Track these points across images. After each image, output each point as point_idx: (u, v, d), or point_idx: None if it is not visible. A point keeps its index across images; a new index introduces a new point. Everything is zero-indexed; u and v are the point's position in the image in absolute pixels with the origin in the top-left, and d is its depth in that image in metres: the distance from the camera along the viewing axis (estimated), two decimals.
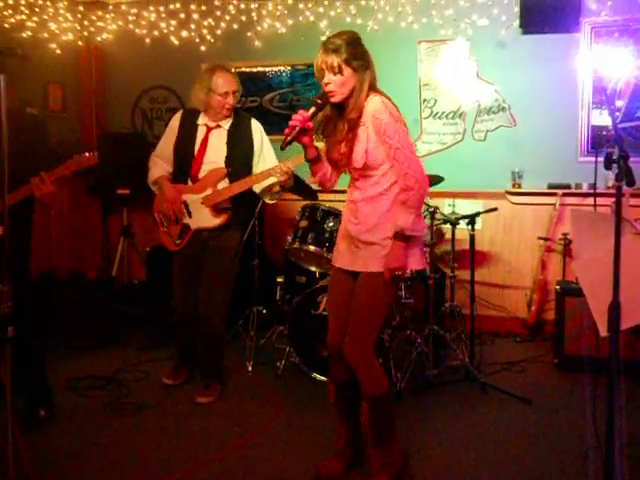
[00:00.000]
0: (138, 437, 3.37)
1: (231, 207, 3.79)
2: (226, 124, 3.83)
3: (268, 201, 3.95)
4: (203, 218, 3.77)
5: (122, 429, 3.47)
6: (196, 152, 3.78)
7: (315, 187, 5.02)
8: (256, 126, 3.91)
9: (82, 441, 3.31)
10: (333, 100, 2.64)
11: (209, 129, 3.81)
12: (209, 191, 3.75)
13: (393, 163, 2.62)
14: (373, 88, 2.71)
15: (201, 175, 3.77)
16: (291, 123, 2.57)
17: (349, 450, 2.99)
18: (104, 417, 3.62)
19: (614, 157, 2.16)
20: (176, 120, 3.92)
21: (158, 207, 3.93)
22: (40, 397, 3.53)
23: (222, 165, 3.76)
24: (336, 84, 2.60)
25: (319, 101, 2.64)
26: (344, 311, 2.78)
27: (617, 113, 5.03)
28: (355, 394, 2.88)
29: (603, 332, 2.18)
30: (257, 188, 3.82)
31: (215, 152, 3.78)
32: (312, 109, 2.61)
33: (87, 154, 3.23)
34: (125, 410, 3.70)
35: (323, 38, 5.32)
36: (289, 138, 2.56)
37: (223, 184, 3.76)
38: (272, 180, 3.70)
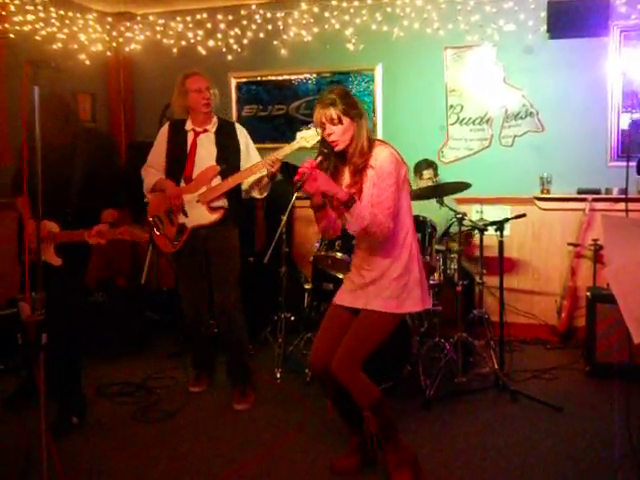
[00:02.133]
0: (166, 444, 3.40)
1: (226, 204, 3.87)
2: (212, 128, 3.94)
3: (257, 196, 3.99)
4: (199, 216, 3.85)
5: (151, 436, 3.50)
6: (188, 155, 3.89)
7: None
8: (240, 129, 4.05)
9: (112, 447, 3.34)
10: (337, 149, 2.83)
11: (197, 133, 3.93)
12: (204, 189, 3.83)
13: (378, 204, 2.75)
14: (374, 138, 2.94)
15: (194, 175, 3.87)
16: (300, 170, 2.70)
17: (363, 449, 3.07)
18: (133, 424, 3.66)
19: None
20: (164, 130, 4.04)
21: (153, 211, 4.01)
22: (74, 405, 3.58)
23: (213, 163, 3.87)
24: (337, 134, 2.79)
25: (325, 150, 2.84)
26: (335, 337, 2.92)
27: None
28: (350, 405, 2.97)
29: (637, 339, 2.15)
30: (245, 185, 3.90)
31: (206, 153, 3.88)
32: (319, 157, 2.80)
33: (143, 232, 3.49)
34: (154, 417, 3.73)
35: (349, 46, 5.53)
36: (299, 184, 2.68)
37: (216, 181, 3.84)
38: (261, 174, 3.81)
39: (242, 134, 4.02)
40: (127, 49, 6.28)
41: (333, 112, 2.76)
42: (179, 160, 3.91)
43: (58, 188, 3.15)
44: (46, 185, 2.39)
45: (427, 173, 4.97)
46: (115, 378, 4.33)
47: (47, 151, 2.47)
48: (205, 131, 3.94)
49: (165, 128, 4.07)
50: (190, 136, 3.94)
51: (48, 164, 2.49)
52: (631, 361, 3.94)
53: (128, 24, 6.23)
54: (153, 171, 4.00)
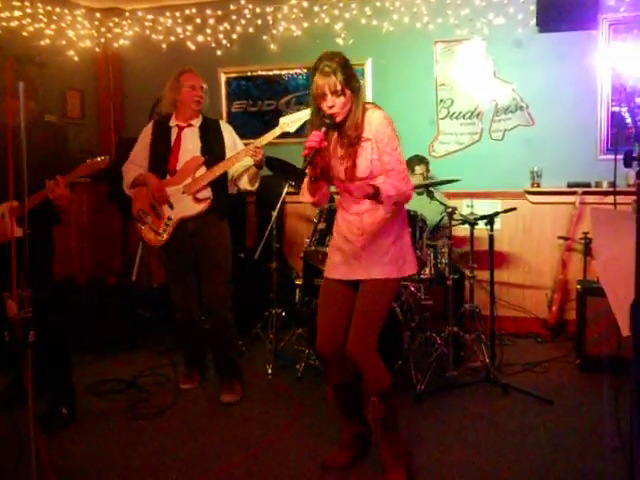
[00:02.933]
0: (158, 440, 3.39)
1: (211, 195, 3.82)
2: (197, 123, 3.90)
3: (249, 187, 3.93)
4: (185, 207, 3.80)
5: (142, 432, 3.49)
6: (172, 149, 3.86)
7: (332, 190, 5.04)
8: (225, 125, 4.04)
9: (103, 444, 3.33)
10: (337, 121, 2.70)
11: (181, 128, 3.89)
12: (189, 180, 3.79)
13: (391, 171, 2.70)
14: (365, 102, 2.82)
15: (179, 168, 3.83)
16: (308, 144, 2.59)
17: (356, 443, 3.07)
18: (125, 420, 3.64)
19: (634, 154, 2.13)
20: (148, 128, 4.00)
21: (138, 205, 3.94)
22: (63, 397, 3.56)
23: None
24: (339, 105, 2.66)
25: (327, 121, 2.68)
26: (338, 318, 2.86)
27: (638, 110, 4.98)
28: (352, 394, 2.98)
29: (625, 332, 2.15)
30: (233, 173, 3.88)
31: (190, 146, 3.85)
32: (323, 129, 2.65)
33: (99, 158, 3.29)
34: (145, 413, 3.71)
35: (339, 40, 5.51)
36: (308, 159, 2.58)
37: (201, 172, 3.80)
38: (246, 163, 3.79)
39: (227, 129, 3.99)
40: (116, 45, 6.27)
41: (336, 82, 2.62)
42: (163, 154, 3.86)
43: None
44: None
45: (419, 169, 4.96)
46: (106, 375, 4.31)
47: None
48: (189, 126, 3.90)
49: (149, 126, 4.02)
50: (174, 131, 3.90)
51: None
52: (620, 354, 3.95)
53: (117, 20, 6.21)
54: (134, 167, 3.94)
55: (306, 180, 2.82)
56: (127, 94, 6.46)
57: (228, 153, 3.88)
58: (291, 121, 3.71)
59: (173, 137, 3.88)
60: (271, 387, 4.16)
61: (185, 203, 3.80)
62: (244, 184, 3.92)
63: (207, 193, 3.81)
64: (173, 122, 3.92)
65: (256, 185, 3.97)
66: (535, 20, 5.11)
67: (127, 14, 6.21)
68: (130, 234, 6.17)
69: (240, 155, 3.75)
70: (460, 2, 5.31)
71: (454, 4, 5.33)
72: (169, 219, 3.84)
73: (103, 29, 6.18)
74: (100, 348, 4.84)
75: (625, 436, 2.18)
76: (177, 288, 4.02)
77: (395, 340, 3.98)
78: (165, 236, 3.85)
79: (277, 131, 3.72)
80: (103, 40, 6.21)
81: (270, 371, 4.33)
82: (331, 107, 2.66)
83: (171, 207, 3.82)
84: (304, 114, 3.62)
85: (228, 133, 3.97)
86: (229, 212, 4.03)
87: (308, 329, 4.21)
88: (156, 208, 3.86)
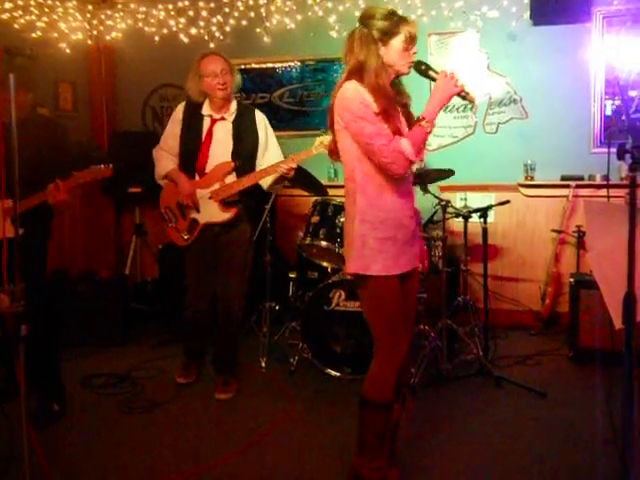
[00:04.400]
0: (151, 434, 3.39)
1: (240, 200, 3.76)
2: (230, 116, 3.78)
3: (273, 192, 3.92)
4: (212, 212, 3.75)
5: (136, 426, 3.48)
6: (202, 145, 3.75)
7: (324, 182, 5.04)
8: (260, 118, 3.87)
9: (96, 438, 3.32)
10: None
11: (214, 121, 3.77)
12: (217, 185, 3.72)
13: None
14: None
15: (208, 168, 3.74)
16: (461, 85, 2.55)
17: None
18: (118, 415, 3.63)
19: (627, 147, 2.13)
20: (179, 111, 3.86)
21: (166, 201, 3.89)
22: (53, 392, 3.55)
23: (228, 158, 3.72)
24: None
25: (423, 67, 2.60)
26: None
27: (631, 103, 4.98)
28: None
29: (618, 324, 2.16)
30: (264, 183, 3.80)
31: (221, 145, 3.74)
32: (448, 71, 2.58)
33: (102, 166, 3.29)
34: (139, 407, 3.71)
35: (333, 33, 5.48)
36: (464, 93, 2.58)
37: (230, 178, 3.73)
38: (277, 175, 3.70)
39: (262, 124, 3.85)
40: (108, 37, 6.21)
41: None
42: (193, 149, 3.76)
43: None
44: None
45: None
46: (99, 369, 4.30)
47: None
48: (222, 119, 3.77)
49: (181, 108, 3.87)
50: (206, 123, 3.77)
51: None
52: (613, 346, 3.95)
53: (109, 12, 6.15)
54: (166, 155, 3.85)
55: (419, 133, 2.46)
56: (120, 87, 6.42)
57: (260, 153, 3.81)
58: (328, 142, 3.43)
59: (205, 129, 3.76)
60: (264, 381, 4.16)
61: (212, 209, 3.74)
62: (267, 186, 3.84)
63: (235, 198, 3.73)
64: (206, 110, 3.78)
65: (278, 191, 3.95)
66: (529, 13, 5.10)
67: (119, 6, 6.16)
68: (123, 227, 6.16)
69: (271, 170, 3.67)
70: None
71: None
72: (194, 222, 3.80)
73: (95, 21, 6.12)
74: (93, 341, 4.83)
75: (617, 428, 2.19)
76: (196, 285, 3.96)
77: None
78: (189, 237, 3.82)
79: (313, 152, 3.61)
80: (95, 32, 6.16)
81: (264, 365, 4.33)
82: (414, 53, 2.55)
83: (197, 210, 3.77)
84: None
85: (262, 129, 3.84)
86: (255, 217, 4.04)
87: (302, 323, 4.21)
88: (183, 208, 3.81)
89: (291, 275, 4.81)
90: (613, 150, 2.21)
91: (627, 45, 4.97)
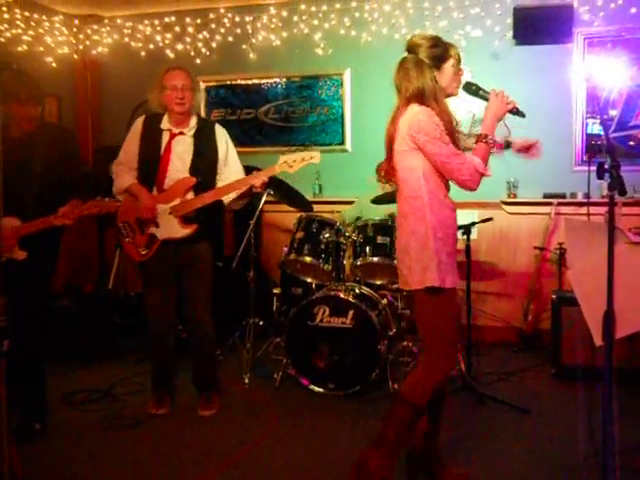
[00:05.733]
0: (134, 451, 3.36)
1: (199, 217, 3.70)
2: (190, 131, 3.74)
3: (233, 207, 3.89)
4: (171, 228, 3.67)
5: (118, 443, 3.45)
6: (161, 159, 3.68)
7: (309, 197, 5.06)
8: (221, 132, 3.84)
9: (77, 455, 3.29)
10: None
11: (173, 135, 3.71)
12: (177, 201, 3.65)
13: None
14: None
15: (167, 183, 3.68)
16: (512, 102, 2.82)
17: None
18: (100, 431, 3.60)
19: (606, 166, 2.17)
20: (138, 125, 3.80)
21: (124, 216, 3.79)
22: (36, 411, 3.52)
23: (187, 173, 3.67)
24: None
25: (473, 87, 2.86)
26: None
27: (610, 122, 5.05)
28: None
29: (598, 341, 2.19)
30: (225, 199, 3.74)
31: (180, 160, 3.68)
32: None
33: (109, 200, 3.39)
34: (121, 424, 3.68)
35: (318, 50, 5.54)
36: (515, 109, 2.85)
37: (191, 195, 3.67)
38: (240, 191, 3.68)
39: (222, 138, 3.81)
40: (94, 52, 6.24)
41: None
42: (152, 163, 3.69)
43: (17, 182, 3.04)
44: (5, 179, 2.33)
45: None
46: (82, 385, 4.27)
47: (5, 144, 2.41)
48: (182, 133, 3.72)
49: (139, 123, 3.81)
50: (165, 137, 3.72)
51: (6, 158, 2.43)
52: (594, 362, 3.98)
53: (95, 27, 6.18)
54: (125, 169, 3.77)
55: (485, 150, 2.69)
56: (106, 101, 6.41)
57: (220, 168, 3.77)
58: (293, 161, 3.55)
59: (164, 143, 3.70)
60: (248, 397, 4.14)
61: (171, 225, 3.67)
62: (229, 202, 3.80)
63: (194, 213, 3.67)
64: (165, 124, 3.73)
65: (240, 206, 3.93)
66: (512, 33, 5.17)
67: (106, 21, 6.19)
68: (107, 241, 6.13)
69: (234, 187, 3.64)
70: (438, 14, 5.36)
71: (432, 16, 5.38)
72: (153, 237, 3.72)
73: (81, 36, 6.15)
74: (77, 356, 4.79)
75: (598, 443, 2.21)
76: (154, 302, 3.84)
77: (372, 349, 4.00)
78: (147, 253, 3.74)
79: (276, 170, 3.60)
80: (81, 47, 6.18)
81: (247, 381, 4.30)
82: (462, 75, 2.80)
83: (156, 225, 3.70)
84: (307, 156, 3.56)
85: (223, 144, 3.80)
86: (216, 233, 3.99)
87: (285, 338, 4.21)
88: (142, 224, 3.74)
89: (275, 291, 4.80)
90: (593, 168, 2.25)
91: (607, 65, 5.06)
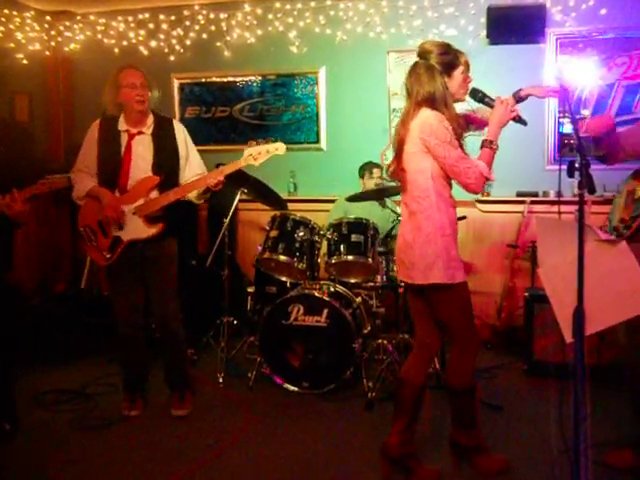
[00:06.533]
0: (106, 451, 3.33)
1: (165, 215, 3.64)
2: (148, 129, 3.67)
3: (195, 201, 3.78)
4: (136, 229, 3.60)
5: (90, 444, 3.42)
6: (122, 161, 3.61)
7: (284, 196, 5.05)
8: (179, 128, 3.78)
9: (48, 456, 3.26)
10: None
11: (131, 136, 3.64)
12: (141, 201, 3.59)
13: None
14: None
15: (130, 185, 3.61)
16: (515, 113, 2.93)
17: None
18: (71, 432, 3.57)
19: (576, 165, 2.19)
20: (94, 130, 3.73)
21: (85, 220, 3.71)
22: (5, 411, 3.47)
23: (150, 172, 3.61)
24: None
25: (480, 95, 3.03)
26: None
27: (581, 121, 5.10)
28: None
29: (568, 338, 2.20)
30: (191, 195, 3.69)
31: (142, 160, 3.61)
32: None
33: (59, 175, 3.23)
34: (92, 424, 3.64)
35: (293, 48, 5.53)
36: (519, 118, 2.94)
37: (155, 194, 3.61)
38: (205, 186, 3.62)
39: (181, 134, 3.76)
40: (66, 49, 6.16)
41: None
42: (112, 166, 3.61)
43: None
44: None
45: (377, 172, 5.02)
46: (53, 385, 4.22)
47: None
48: (140, 133, 3.65)
49: (95, 127, 3.73)
50: (124, 138, 3.64)
51: None
52: (565, 359, 4.03)
53: (67, 23, 6.11)
54: (84, 176, 3.68)
55: (490, 155, 2.85)
56: (78, 99, 6.34)
57: (182, 164, 3.72)
58: (257, 153, 3.51)
59: (123, 145, 3.62)
60: (222, 396, 4.12)
61: (136, 225, 3.60)
62: (192, 197, 3.74)
63: (159, 213, 3.61)
64: (122, 126, 3.66)
65: (202, 201, 3.88)
66: (485, 32, 5.21)
67: (78, 17, 6.11)
68: (79, 240, 6.05)
69: (198, 184, 3.58)
70: (412, 13, 5.38)
71: (406, 15, 5.39)
72: (117, 239, 3.64)
73: (53, 32, 6.07)
74: (49, 356, 4.72)
75: (569, 439, 2.23)
76: (122, 303, 3.76)
77: (346, 347, 4.00)
78: (111, 256, 3.65)
79: (241, 163, 3.54)
80: (53, 43, 6.10)
81: (221, 380, 4.29)
82: (470, 81, 2.94)
83: (120, 227, 3.62)
84: (271, 148, 3.51)
85: (182, 140, 3.75)
86: (181, 231, 3.90)
87: (260, 337, 4.20)
88: (104, 227, 3.65)
89: (249, 290, 4.79)
90: (564, 167, 2.27)
91: (579, 65, 5.11)
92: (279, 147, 3.56)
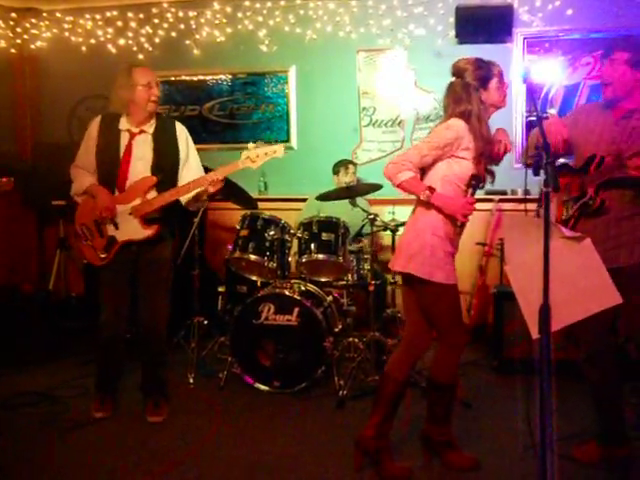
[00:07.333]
0: (76, 454, 3.28)
1: (161, 217, 3.60)
2: (150, 129, 3.61)
3: (190, 208, 3.74)
4: (132, 230, 3.55)
5: (59, 447, 3.36)
6: (122, 160, 3.56)
7: (254, 195, 5.03)
8: (181, 129, 3.73)
9: (16, 460, 3.20)
10: None
11: (133, 135, 3.59)
12: (138, 201, 3.53)
13: None
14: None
15: (128, 185, 3.57)
16: (466, 217, 2.96)
17: None
18: (41, 435, 3.50)
19: (542, 164, 2.22)
20: (95, 127, 3.65)
21: (82, 218, 3.66)
22: None
23: (149, 173, 3.56)
24: None
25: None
26: None
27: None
28: None
29: (534, 334, 2.23)
30: (184, 199, 3.64)
31: (141, 160, 3.56)
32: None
33: (4, 179, 3.19)
34: (62, 427, 3.58)
35: (263, 47, 5.52)
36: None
37: (152, 193, 3.57)
38: (200, 189, 3.56)
39: (183, 136, 3.69)
40: (33, 46, 6.08)
41: None
42: (112, 165, 3.55)
43: None
44: None
45: (352, 168, 5.05)
46: (21, 388, 4.15)
47: None
48: (142, 132, 3.59)
49: (95, 123, 3.65)
50: (125, 138, 3.58)
51: None
52: (532, 355, 4.08)
53: (34, 20, 6.03)
54: (83, 172, 3.63)
55: (415, 189, 2.89)
56: (45, 97, 6.25)
57: (181, 167, 3.66)
58: (255, 155, 3.42)
59: (123, 145, 3.57)
60: (192, 397, 4.09)
61: (132, 225, 3.54)
62: (187, 201, 3.67)
63: (155, 214, 3.56)
64: (124, 125, 3.60)
65: (200, 207, 3.85)
66: (454, 32, 5.25)
67: (44, 14, 6.03)
68: (47, 241, 5.98)
69: (196, 184, 3.51)
70: (382, 12, 5.40)
71: (376, 14, 5.42)
72: (112, 240, 3.58)
73: (19, 29, 5.98)
74: (16, 359, 4.64)
75: (535, 434, 2.26)
76: (112, 305, 3.69)
77: (318, 346, 4.00)
78: (106, 256, 3.60)
79: (239, 166, 3.46)
80: (19, 41, 6.01)
81: (192, 381, 4.26)
82: (507, 87, 3.08)
83: (116, 227, 3.57)
84: (270, 150, 3.44)
85: (183, 142, 3.69)
86: (176, 232, 3.89)
87: (230, 337, 4.18)
88: (100, 226, 3.60)
89: (220, 289, 4.76)
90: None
91: (546, 65, 5.18)
92: (277, 149, 3.48)
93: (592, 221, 2.95)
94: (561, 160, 3.06)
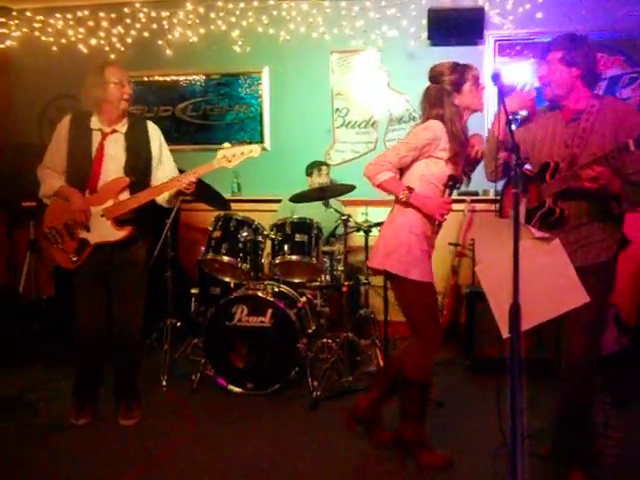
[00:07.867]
0: (49, 460, 3.24)
1: (135, 218, 3.54)
2: (122, 128, 3.55)
3: (164, 205, 3.68)
4: (104, 232, 3.49)
5: (28, 453, 3.31)
6: (94, 161, 3.50)
7: (227, 196, 5.02)
8: (153, 129, 3.69)
9: None
10: None
11: (105, 135, 3.52)
12: (110, 202, 3.48)
13: None
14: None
15: (100, 185, 3.50)
16: (444, 217, 3.04)
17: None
18: (8, 441, 3.44)
19: (511, 165, 2.24)
20: (64, 126, 3.57)
21: (51, 221, 3.59)
22: None
23: (122, 173, 3.51)
24: None
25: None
26: None
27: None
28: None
29: (505, 333, 2.26)
30: (160, 198, 3.60)
31: (114, 160, 3.50)
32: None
33: None
34: (33, 433, 3.53)
35: (236, 48, 5.51)
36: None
37: (125, 194, 3.51)
38: (174, 190, 3.52)
39: (155, 136, 3.65)
40: (2, 45, 5.99)
41: None
42: (83, 165, 3.48)
43: None
44: None
45: (325, 169, 5.05)
46: None
47: None
48: (114, 131, 3.53)
49: (65, 122, 3.57)
50: (96, 137, 3.51)
51: None
52: (502, 355, 4.11)
53: (3, 19, 5.94)
54: (52, 173, 3.55)
55: (395, 189, 3.01)
56: (15, 97, 6.17)
57: (154, 166, 3.62)
58: (232, 155, 3.40)
59: (95, 144, 3.50)
60: (165, 399, 4.06)
61: (104, 227, 3.48)
62: (162, 200, 3.63)
63: (129, 216, 3.50)
64: (95, 124, 3.53)
65: (173, 205, 3.81)
66: (427, 34, 5.28)
67: (15, 13, 5.96)
68: (17, 243, 5.90)
69: (169, 185, 3.46)
70: (355, 14, 5.42)
71: (349, 15, 5.43)
72: (84, 242, 3.52)
73: None
74: None
75: (506, 432, 2.28)
76: (87, 308, 3.64)
77: (291, 347, 4.00)
78: (78, 259, 3.53)
79: (214, 165, 3.42)
80: None
81: (164, 383, 4.22)
82: (483, 89, 3.16)
83: (87, 229, 3.51)
84: (246, 150, 3.41)
85: (156, 141, 3.65)
86: (150, 233, 3.85)
87: (203, 339, 4.16)
88: (71, 228, 3.53)
89: (193, 291, 4.73)
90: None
91: (516, 67, 5.23)
92: (253, 149, 3.45)
93: (553, 230, 2.95)
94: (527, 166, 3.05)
